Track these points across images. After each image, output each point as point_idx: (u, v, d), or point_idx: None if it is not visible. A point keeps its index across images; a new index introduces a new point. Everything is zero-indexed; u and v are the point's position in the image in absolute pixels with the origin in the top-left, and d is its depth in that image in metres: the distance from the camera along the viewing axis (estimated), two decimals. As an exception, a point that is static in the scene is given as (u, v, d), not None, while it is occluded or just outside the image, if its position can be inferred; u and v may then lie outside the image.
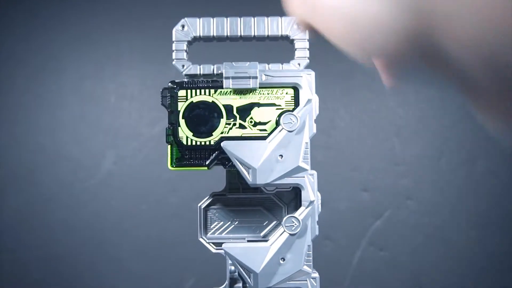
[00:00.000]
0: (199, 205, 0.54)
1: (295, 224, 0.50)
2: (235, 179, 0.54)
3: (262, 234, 0.54)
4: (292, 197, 0.54)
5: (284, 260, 0.50)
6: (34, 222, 1.12)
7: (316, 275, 0.51)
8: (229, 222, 0.54)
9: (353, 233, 1.13)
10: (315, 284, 0.50)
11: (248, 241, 0.53)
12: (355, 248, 1.13)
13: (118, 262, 1.12)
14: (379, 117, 1.15)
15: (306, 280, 0.50)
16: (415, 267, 1.13)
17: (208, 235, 0.53)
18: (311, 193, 0.50)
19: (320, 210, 0.51)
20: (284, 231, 0.50)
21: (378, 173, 1.14)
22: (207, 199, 0.54)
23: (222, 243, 0.51)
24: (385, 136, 1.15)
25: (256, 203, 0.54)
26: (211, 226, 0.54)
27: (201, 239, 0.53)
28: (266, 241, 0.50)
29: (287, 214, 0.52)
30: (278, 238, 0.50)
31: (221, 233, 0.54)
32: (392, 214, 1.14)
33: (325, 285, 0.53)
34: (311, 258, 0.50)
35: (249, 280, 0.49)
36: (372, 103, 1.16)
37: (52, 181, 1.13)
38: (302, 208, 0.50)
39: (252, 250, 0.50)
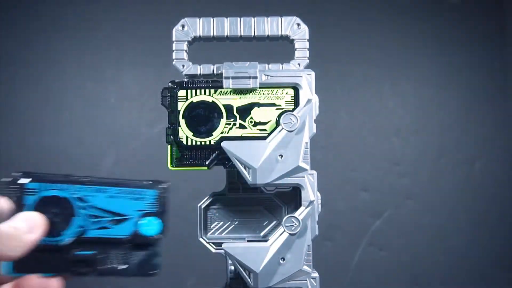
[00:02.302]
0: (199, 205, 0.54)
1: (295, 224, 0.50)
2: (235, 179, 0.54)
3: (262, 234, 0.54)
4: (292, 197, 0.54)
5: (284, 260, 0.50)
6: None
7: (316, 275, 0.51)
8: (229, 222, 0.54)
9: (353, 233, 1.13)
10: (315, 284, 0.50)
11: (248, 241, 0.53)
12: (355, 248, 1.13)
13: (118, 262, 1.12)
14: (379, 117, 1.15)
15: (306, 280, 0.50)
16: (415, 267, 1.13)
17: (208, 235, 0.53)
18: (311, 193, 0.50)
19: (320, 210, 0.51)
20: (284, 231, 0.50)
21: (378, 173, 1.14)
22: (207, 199, 0.54)
23: (222, 243, 0.50)
24: (385, 136, 1.15)
25: (256, 203, 0.54)
26: (211, 226, 0.54)
27: (201, 239, 0.53)
28: (266, 241, 0.50)
29: (287, 214, 0.52)
30: (278, 238, 0.50)
31: (221, 233, 0.54)
32: (392, 214, 1.14)
33: (325, 285, 0.53)
34: (311, 258, 0.50)
35: (249, 280, 0.49)
36: (372, 103, 1.16)
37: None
38: (302, 208, 0.50)
39: (252, 250, 0.50)
